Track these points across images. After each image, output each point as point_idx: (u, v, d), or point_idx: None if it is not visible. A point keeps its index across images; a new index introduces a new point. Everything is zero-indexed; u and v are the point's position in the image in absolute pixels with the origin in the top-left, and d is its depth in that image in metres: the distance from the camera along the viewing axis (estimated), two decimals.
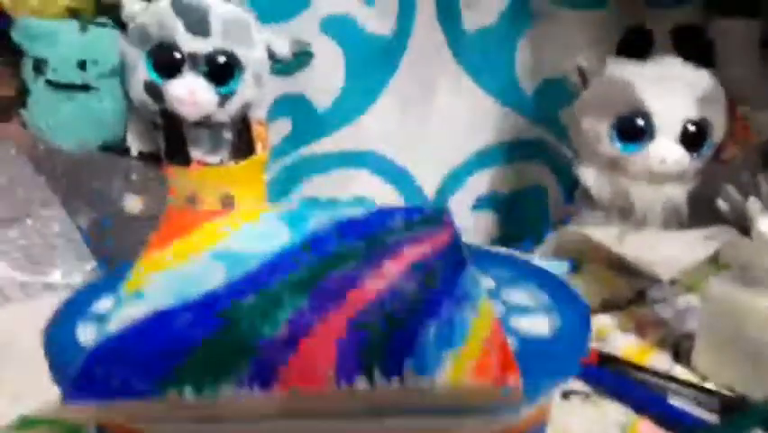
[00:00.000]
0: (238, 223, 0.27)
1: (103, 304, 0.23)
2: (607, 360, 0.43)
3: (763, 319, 0.39)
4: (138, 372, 0.18)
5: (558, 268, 0.53)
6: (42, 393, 0.35)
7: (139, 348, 0.19)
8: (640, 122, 0.49)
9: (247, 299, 0.21)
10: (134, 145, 0.50)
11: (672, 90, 0.49)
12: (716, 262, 0.48)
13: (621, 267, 0.50)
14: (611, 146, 0.51)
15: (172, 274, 0.23)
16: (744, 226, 0.48)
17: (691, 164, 0.51)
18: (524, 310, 0.23)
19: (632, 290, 0.51)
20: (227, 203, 0.51)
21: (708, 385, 0.41)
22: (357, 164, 0.60)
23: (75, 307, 0.23)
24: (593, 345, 0.46)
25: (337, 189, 0.61)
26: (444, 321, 0.20)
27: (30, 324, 0.44)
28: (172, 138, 0.49)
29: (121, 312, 0.21)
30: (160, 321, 0.20)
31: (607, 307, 0.51)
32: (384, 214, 0.28)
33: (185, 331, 0.20)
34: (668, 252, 0.47)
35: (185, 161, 0.50)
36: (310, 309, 0.21)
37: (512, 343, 0.21)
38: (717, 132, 0.51)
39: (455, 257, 0.24)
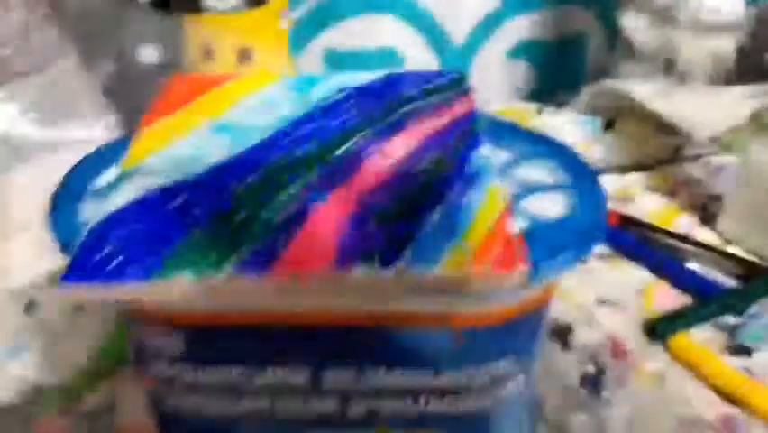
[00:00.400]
0: (244, 90, 0.25)
1: (105, 177, 0.23)
2: (629, 222, 0.42)
3: None
4: (134, 254, 0.18)
5: (592, 124, 0.51)
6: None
7: (136, 228, 0.19)
8: None
9: (250, 177, 0.20)
10: None
11: None
12: (759, 120, 0.45)
13: (657, 125, 0.48)
14: None
15: (173, 148, 0.22)
16: None
17: (747, 11, 0.46)
18: (538, 189, 0.22)
19: (667, 149, 0.49)
20: (245, 56, 0.48)
21: (730, 250, 0.40)
22: (381, 9, 0.57)
23: (77, 181, 0.23)
24: (618, 206, 0.45)
25: (360, 38, 0.58)
26: (449, 208, 0.19)
27: (51, 180, 0.45)
28: None
29: (120, 189, 0.21)
30: (159, 199, 0.20)
31: (640, 166, 0.49)
32: (400, 79, 0.26)
33: (184, 211, 0.19)
34: (708, 110, 0.44)
35: (196, 7, 0.47)
36: (313, 190, 0.20)
37: (521, 224, 0.20)
38: None
39: (469, 132, 0.23)
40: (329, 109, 0.24)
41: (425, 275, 0.17)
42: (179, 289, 0.17)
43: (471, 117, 0.24)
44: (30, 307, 0.34)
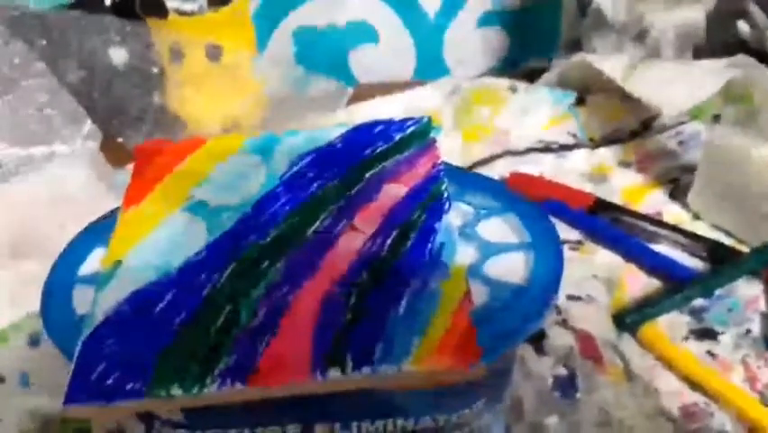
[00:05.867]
0: (212, 163, 0.26)
1: (93, 261, 0.24)
2: (601, 206, 0.44)
3: (762, 170, 0.39)
4: (127, 374, 0.19)
5: (564, 98, 0.51)
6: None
7: (125, 345, 0.20)
8: None
9: (224, 274, 0.22)
10: None
11: None
12: (727, 91, 0.46)
13: (628, 97, 0.49)
14: None
15: (151, 240, 0.23)
16: (763, 54, 0.45)
17: None
18: (499, 249, 0.23)
19: (638, 121, 0.50)
20: (214, 54, 0.48)
21: (700, 228, 0.42)
22: None
23: (67, 266, 0.24)
24: (592, 185, 0.46)
25: (330, 14, 0.57)
26: (415, 297, 0.20)
27: (36, 196, 0.46)
28: None
29: (104, 292, 0.22)
30: (142, 304, 0.21)
31: (611, 138, 0.50)
32: (361, 137, 0.26)
33: (166, 316, 0.21)
34: (677, 88, 0.45)
35: (161, 12, 0.47)
36: (285, 284, 0.21)
37: (483, 293, 0.22)
38: None
39: (434, 198, 0.24)
40: (293, 182, 0.25)
41: (394, 375, 0.19)
42: (169, 402, 0.19)
43: (435, 178, 0.25)
44: (33, 342, 0.36)
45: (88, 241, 0.25)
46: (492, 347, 0.20)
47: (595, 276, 0.40)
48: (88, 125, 0.49)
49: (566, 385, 0.33)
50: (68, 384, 0.19)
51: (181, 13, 0.47)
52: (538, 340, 0.35)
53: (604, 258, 0.41)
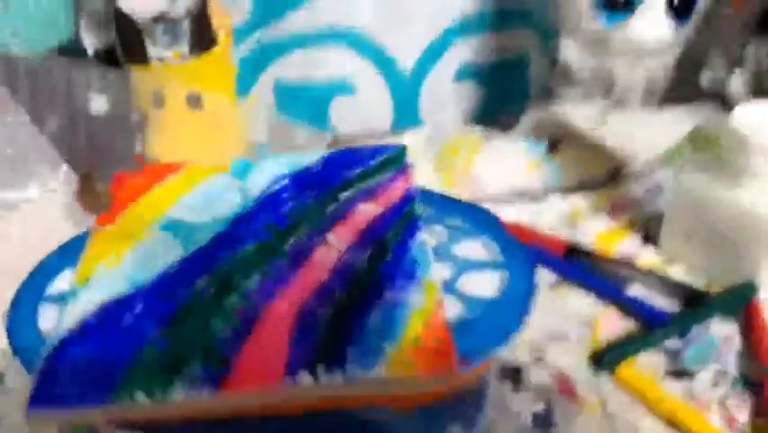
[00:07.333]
0: (189, 185, 0.26)
1: (62, 281, 0.24)
2: (574, 251, 0.44)
3: (731, 211, 0.40)
4: (93, 380, 0.19)
5: (536, 147, 0.53)
6: None
7: (92, 351, 0.20)
8: None
9: (198, 284, 0.21)
10: (89, 42, 0.48)
11: None
12: (693, 138, 0.48)
13: (598, 147, 0.50)
14: (594, 20, 0.48)
15: (122, 256, 0.23)
16: (726, 101, 0.47)
17: (677, 33, 0.49)
18: (473, 266, 0.23)
19: (608, 170, 0.51)
20: (195, 102, 0.49)
21: (675, 271, 0.42)
22: (329, 40, 0.57)
23: (34, 286, 0.23)
24: (564, 231, 0.47)
25: (310, 68, 0.58)
26: (388, 307, 0.20)
27: (11, 239, 0.45)
28: (127, 35, 0.46)
29: (74, 305, 0.21)
30: (112, 314, 0.21)
31: (583, 186, 0.51)
32: (336, 162, 0.27)
33: (137, 325, 0.20)
34: (644, 136, 0.46)
35: (143, 58, 0.47)
36: (260, 294, 0.21)
37: (454, 310, 0.22)
38: None
39: (408, 218, 0.24)
40: (268, 203, 0.25)
41: (367, 379, 0.19)
42: (135, 409, 0.19)
43: (410, 198, 0.25)
44: None
45: (58, 262, 0.25)
46: (467, 359, 0.20)
47: (570, 317, 0.40)
48: (64, 170, 0.50)
49: (545, 422, 0.33)
50: (30, 391, 0.19)
51: (163, 60, 0.48)
52: (515, 376, 0.34)
53: (579, 301, 0.41)
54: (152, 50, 0.47)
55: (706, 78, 0.47)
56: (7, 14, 0.44)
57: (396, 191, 0.26)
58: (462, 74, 0.61)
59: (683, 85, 0.49)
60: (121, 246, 0.23)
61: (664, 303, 0.41)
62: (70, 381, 0.19)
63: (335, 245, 0.22)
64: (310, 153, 0.28)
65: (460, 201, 0.26)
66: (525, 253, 0.24)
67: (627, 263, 0.43)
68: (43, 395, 0.19)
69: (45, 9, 0.45)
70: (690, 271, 0.43)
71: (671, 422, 0.33)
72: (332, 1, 0.56)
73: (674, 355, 0.37)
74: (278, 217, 0.24)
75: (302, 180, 0.26)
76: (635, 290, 0.42)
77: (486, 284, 0.23)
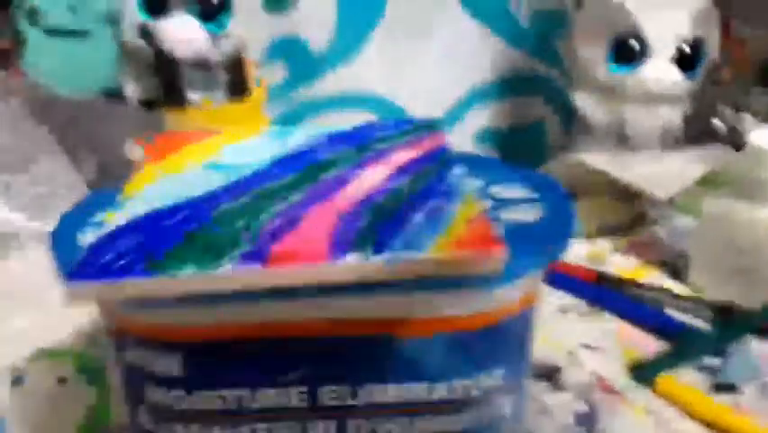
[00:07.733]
0: (230, 140, 0.27)
1: (102, 215, 0.24)
2: (604, 279, 0.44)
3: (756, 230, 0.40)
4: (137, 254, 0.19)
5: None
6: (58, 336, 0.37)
7: (137, 236, 0.20)
8: (634, 43, 0.49)
9: (241, 199, 0.22)
10: (132, 92, 0.51)
11: (666, 10, 0.49)
12: (711, 181, 0.49)
13: (619, 192, 0.51)
14: (606, 70, 0.51)
15: (168, 180, 0.24)
16: (737, 144, 0.49)
17: (686, 85, 0.51)
18: (510, 203, 0.24)
19: (630, 215, 0.52)
20: None
21: (703, 297, 0.42)
22: (353, 105, 0.61)
23: (78, 216, 0.24)
24: (591, 266, 0.47)
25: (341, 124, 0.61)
26: (431, 210, 0.21)
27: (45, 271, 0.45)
28: (168, 80, 0.49)
29: (119, 213, 0.22)
30: (156, 216, 0.21)
31: (606, 232, 0.51)
32: (375, 125, 0.28)
33: (181, 223, 0.21)
34: (665, 171, 0.47)
35: (181, 103, 0.50)
36: (302, 204, 0.21)
37: (498, 227, 0.22)
38: (712, 51, 0.51)
39: (443, 158, 0.25)
40: (306, 151, 0.26)
41: (414, 259, 0.18)
42: (182, 284, 0.18)
43: (443, 149, 0.26)
44: (16, 380, 0.34)
45: (96, 203, 0.25)
46: (516, 270, 0.20)
47: (606, 333, 0.39)
48: None
49: (589, 420, 0.31)
50: (71, 267, 0.18)
51: (192, 104, 0.50)
52: (552, 375, 0.33)
53: (612, 324, 0.40)
54: (191, 96, 0.50)
55: (717, 126, 0.49)
56: (53, 57, 0.47)
57: (430, 143, 0.26)
58: (480, 138, 0.63)
59: (695, 132, 0.51)
60: (166, 173, 0.24)
61: (698, 323, 0.40)
62: (113, 259, 0.19)
63: (374, 175, 0.23)
64: (344, 124, 0.29)
65: (493, 158, 0.27)
66: (561, 190, 0.24)
67: (657, 288, 0.42)
68: (86, 269, 0.18)
69: (90, 55, 0.48)
70: (720, 300, 0.42)
71: (719, 428, 0.31)
72: (356, 69, 0.60)
73: (713, 372, 0.36)
74: (318, 158, 0.25)
75: (338, 137, 0.27)
76: (669, 312, 0.41)
77: (524, 214, 0.23)
